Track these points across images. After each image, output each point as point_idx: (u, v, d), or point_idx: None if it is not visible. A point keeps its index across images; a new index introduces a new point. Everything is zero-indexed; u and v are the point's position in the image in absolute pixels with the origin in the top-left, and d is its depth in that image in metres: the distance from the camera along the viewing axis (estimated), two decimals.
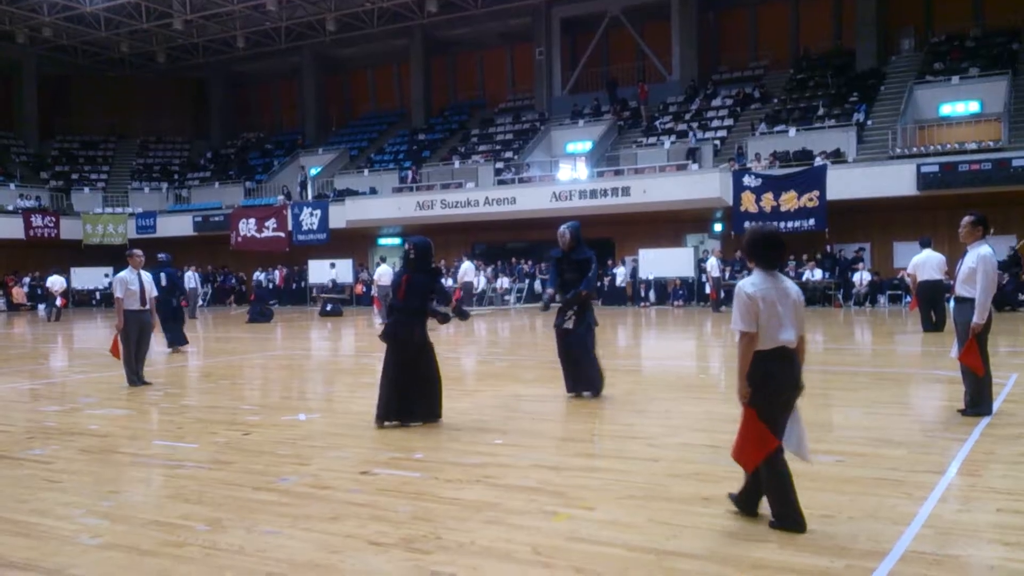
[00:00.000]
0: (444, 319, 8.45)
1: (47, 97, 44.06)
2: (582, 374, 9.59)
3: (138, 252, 11.87)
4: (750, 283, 4.85)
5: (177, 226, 38.36)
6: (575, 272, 9.51)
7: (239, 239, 35.99)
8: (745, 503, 5.03)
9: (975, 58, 29.47)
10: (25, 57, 42.13)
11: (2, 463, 6.89)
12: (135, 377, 11.38)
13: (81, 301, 38.14)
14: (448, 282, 29.18)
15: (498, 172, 32.71)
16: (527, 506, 5.37)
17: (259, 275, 34.61)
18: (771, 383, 4.79)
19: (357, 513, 5.28)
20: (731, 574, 4.16)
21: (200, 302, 32.57)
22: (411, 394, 8.10)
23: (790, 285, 4.90)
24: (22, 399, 10.82)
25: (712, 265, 25.62)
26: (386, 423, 8.05)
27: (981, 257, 7.67)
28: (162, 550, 4.67)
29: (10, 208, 36.97)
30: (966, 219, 7.90)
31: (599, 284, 30.39)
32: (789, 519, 4.74)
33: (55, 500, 5.74)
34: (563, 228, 9.64)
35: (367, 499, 5.60)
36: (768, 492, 4.85)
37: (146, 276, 11.70)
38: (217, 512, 5.37)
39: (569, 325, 9.50)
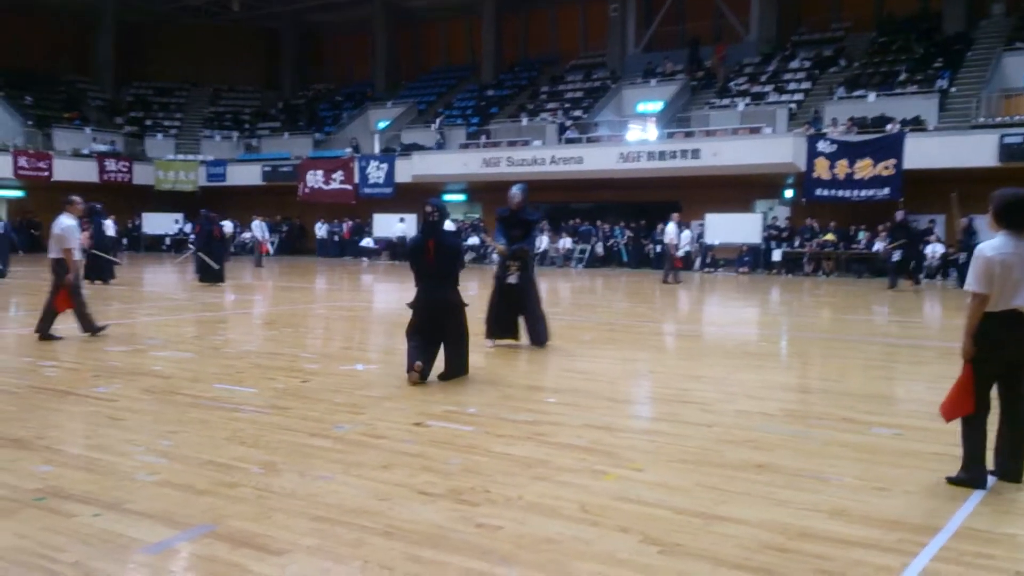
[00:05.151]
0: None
1: (124, 44, 44.74)
2: (531, 327, 10.24)
3: (77, 199, 11.10)
4: (991, 246, 4.95)
5: (246, 175, 38.85)
6: (521, 230, 10.11)
7: (306, 190, 36.33)
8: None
9: None
10: (104, 4, 42.83)
11: (68, 399, 7.10)
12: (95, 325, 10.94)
13: (151, 246, 39.01)
14: (543, 236, 29.25)
15: (562, 130, 32.36)
16: (577, 464, 5.36)
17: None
18: (995, 345, 4.94)
19: (408, 463, 5.33)
20: (778, 541, 4.11)
21: (270, 251, 33.09)
22: (445, 350, 8.09)
23: None
24: (90, 339, 11.10)
25: (671, 231, 23.70)
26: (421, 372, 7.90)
27: None
28: (216, 489, 4.77)
29: (85, 152, 37.78)
30: None
31: (650, 249, 30.13)
32: (971, 479, 5.00)
33: (116, 437, 5.89)
34: (515, 189, 10.21)
35: (419, 450, 5.65)
36: (964, 446, 5.09)
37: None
38: (272, 456, 5.47)
39: (513, 280, 10.03)
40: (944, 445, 5.85)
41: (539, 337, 10.27)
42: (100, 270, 19.68)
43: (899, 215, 21.72)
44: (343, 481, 4.96)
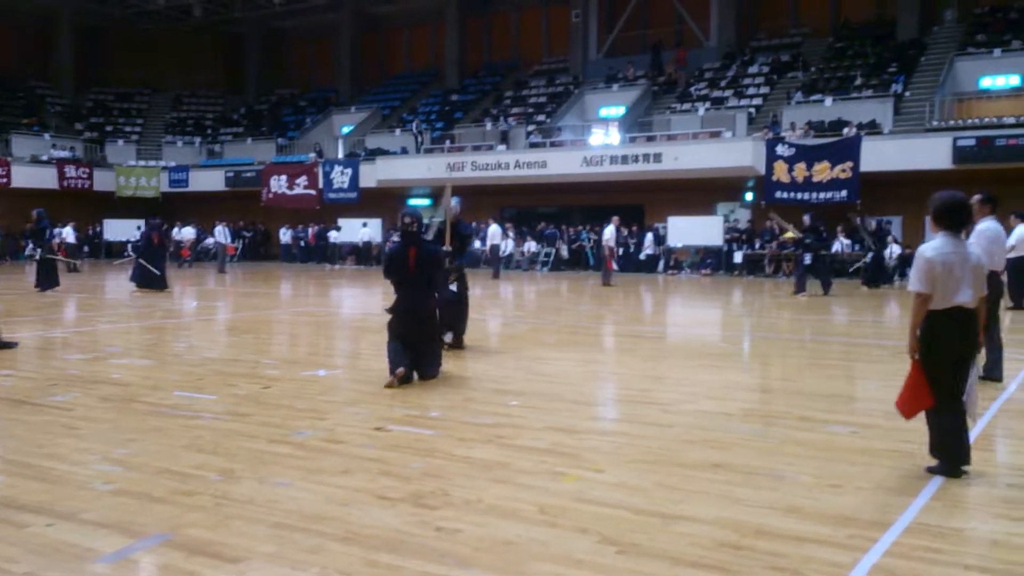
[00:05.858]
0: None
1: (83, 48, 44.22)
2: (450, 325, 10.45)
3: None
4: (931, 247, 5.20)
5: (209, 181, 38.58)
6: (457, 242, 10.33)
7: (270, 195, 36.12)
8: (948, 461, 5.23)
9: (1018, 30, 28.77)
10: (61, 7, 42.28)
11: (23, 409, 7.02)
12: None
13: (113, 252, 38.55)
14: (475, 244, 29.25)
15: (504, 137, 32.44)
16: (537, 467, 5.39)
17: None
18: (940, 341, 5.14)
19: (368, 468, 5.33)
20: (733, 539, 4.16)
21: (230, 257, 32.89)
22: (419, 352, 8.25)
23: (972, 250, 5.26)
24: (48, 347, 10.98)
25: (609, 234, 23.75)
26: (402, 377, 8.02)
27: (978, 232, 7.83)
28: (173, 498, 4.73)
29: (44, 158, 37.23)
30: (975, 197, 7.92)
31: (627, 251, 30.31)
32: (947, 467, 5.15)
33: (72, 446, 5.83)
34: (454, 202, 10.44)
35: (379, 454, 5.65)
36: (933, 438, 5.26)
37: None
38: (231, 463, 5.44)
39: (453, 287, 10.39)
40: (897, 442, 5.96)
41: (459, 340, 10.65)
42: (48, 278, 19.35)
43: (806, 219, 20.46)
44: (302, 487, 4.95)
